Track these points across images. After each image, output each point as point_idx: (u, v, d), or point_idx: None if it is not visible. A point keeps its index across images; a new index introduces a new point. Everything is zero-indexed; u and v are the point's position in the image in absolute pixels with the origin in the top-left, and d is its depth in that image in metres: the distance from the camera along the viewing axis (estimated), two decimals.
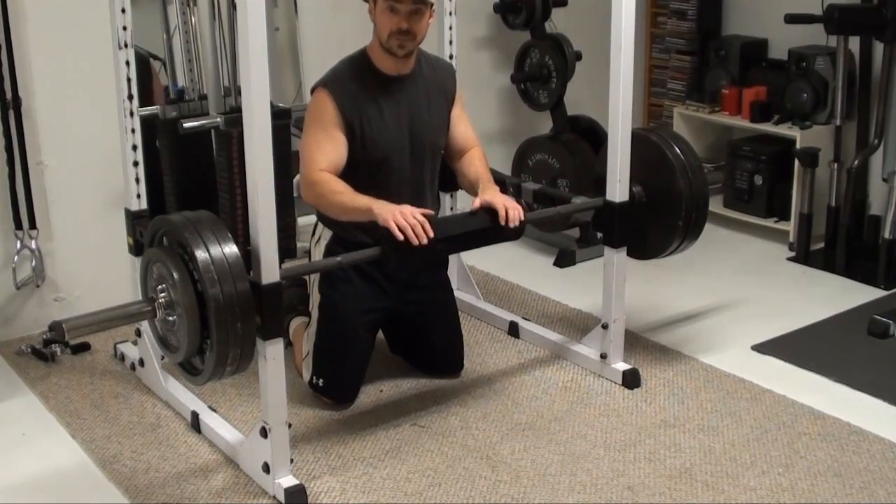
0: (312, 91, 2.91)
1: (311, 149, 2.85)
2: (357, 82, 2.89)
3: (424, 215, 2.67)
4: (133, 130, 2.96)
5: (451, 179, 3.20)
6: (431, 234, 2.64)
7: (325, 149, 2.83)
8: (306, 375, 3.08)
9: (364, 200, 2.73)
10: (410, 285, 3.08)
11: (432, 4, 2.87)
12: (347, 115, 2.85)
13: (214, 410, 2.96)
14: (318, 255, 3.06)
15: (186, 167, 3.30)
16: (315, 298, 3.06)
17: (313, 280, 3.08)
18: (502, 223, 2.79)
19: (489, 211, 2.83)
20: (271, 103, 2.45)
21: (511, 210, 2.80)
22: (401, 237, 2.61)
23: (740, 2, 4.82)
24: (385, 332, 3.27)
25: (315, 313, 3.06)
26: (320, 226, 3.06)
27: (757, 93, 4.51)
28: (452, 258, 3.63)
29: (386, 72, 2.91)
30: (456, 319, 3.27)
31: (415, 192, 2.97)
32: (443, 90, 3.04)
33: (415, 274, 3.05)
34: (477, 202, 2.84)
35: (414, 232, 2.61)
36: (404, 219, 2.62)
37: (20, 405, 3.12)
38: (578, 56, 4.22)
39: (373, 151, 2.89)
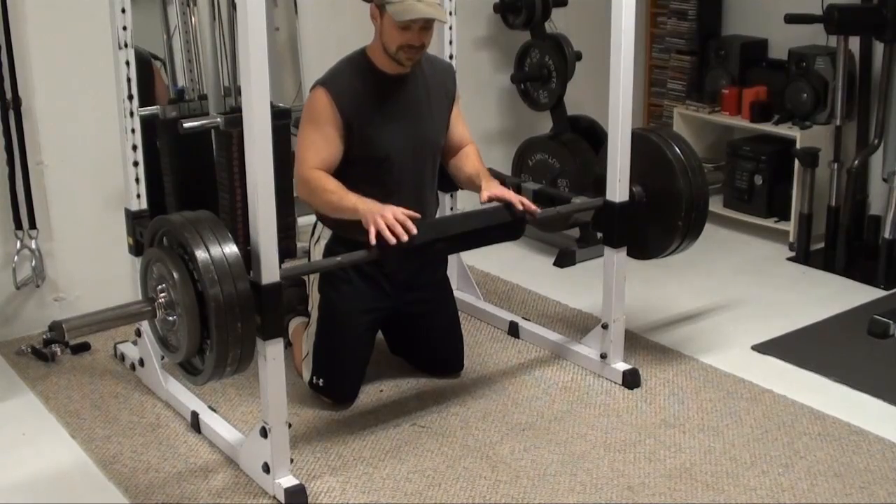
0: (311, 89, 2.91)
1: (304, 147, 2.87)
2: (357, 82, 2.89)
3: (407, 215, 2.67)
4: (133, 130, 2.96)
5: (450, 180, 3.19)
6: (414, 232, 2.65)
7: (319, 147, 2.85)
8: (306, 375, 3.08)
9: (351, 200, 2.75)
10: (410, 285, 3.08)
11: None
12: (346, 114, 2.84)
13: (214, 410, 2.96)
14: (317, 254, 3.05)
15: (186, 167, 3.30)
16: (315, 298, 3.06)
17: (313, 280, 3.07)
18: (519, 209, 2.85)
19: (492, 212, 2.84)
20: (271, 103, 2.45)
21: (524, 201, 2.87)
22: (373, 241, 2.64)
23: (740, 2, 4.82)
24: (385, 332, 3.27)
25: (315, 313, 3.06)
26: (319, 225, 3.06)
27: (757, 93, 4.51)
28: (452, 258, 3.63)
29: (386, 71, 2.91)
30: (456, 319, 3.27)
31: (415, 190, 2.97)
32: (444, 89, 3.04)
33: (414, 273, 3.05)
34: (486, 194, 2.88)
35: (393, 232, 2.63)
36: (384, 220, 2.64)
37: (20, 405, 3.12)
38: (578, 56, 4.23)
39: (373, 150, 2.89)
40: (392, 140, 2.91)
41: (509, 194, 2.88)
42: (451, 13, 3.57)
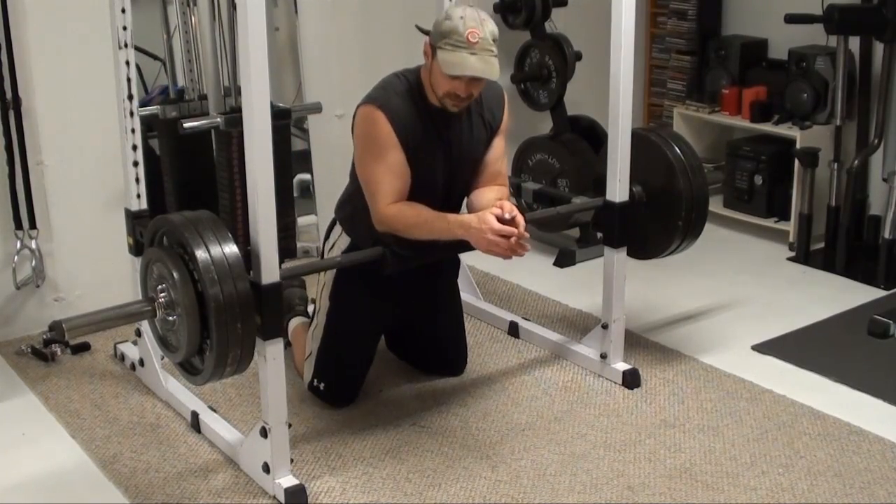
0: (360, 106, 2.76)
1: (374, 181, 2.73)
2: (410, 108, 2.75)
3: (498, 232, 2.62)
4: (133, 130, 2.96)
5: None
6: (526, 247, 2.65)
7: (390, 179, 2.72)
8: (307, 376, 3.07)
9: (444, 228, 2.68)
10: (421, 291, 3.05)
11: None
12: (400, 137, 2.72)
13: (214, 410, 2.96)
14: None
15: (186, 167, 3.30)
16: (324, 305, 3.02)
17: (322, 285, 3.03)
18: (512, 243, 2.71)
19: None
20: (271, 103, 2.45)
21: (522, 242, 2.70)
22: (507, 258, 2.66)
23: (740, 2, 4.82)
24: (386, 331, 3.26)
25: (322, 318, 3.02)
26: (335, 232, 3.00)
27: (757, 93, 4.51)
28: None
29: (436, 104, 2.77)
30: (461, 319, 3.27)
31: (441, 210, 2.84)
32: (488, 121, 2.90)
33: (425, 279, 3.02)
34: (506, 205, 2.70)
35: (513, 249, 2.63)
36: (498, 244, 2.62)
37: (20, 405, 3.12)
38: (578, 56, 4.22)
39: (413, 177, 2.78)
40: (433, 169, 2.82)
41: (519, 219, 2.68)
42: None
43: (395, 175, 2.73)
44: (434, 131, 2.79)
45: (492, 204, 2.74)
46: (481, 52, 2.60)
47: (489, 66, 2.62)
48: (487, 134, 2.90)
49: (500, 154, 2.94)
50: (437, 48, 2.64)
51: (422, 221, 2.70)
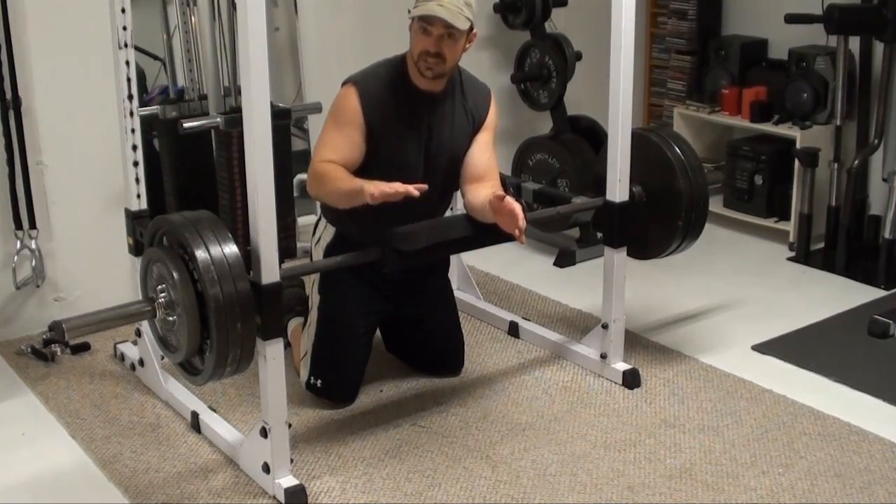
0: (344, 84, 2.87)
1: (323, 143, 2.84)
2: (388, 89, 2.84)
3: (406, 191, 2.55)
4: (133, 130, 2.96)
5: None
6: (415, 193, 2.54)
7: (337, 146, 2.80)
8: (304, 375, 3.07)
9: (358, 181, 2.67)
10: (411, 288, 3.07)
11: (471, 30, 2.77)
12: (369, 117, 2.80)
13: (214, 410, 2.96)
14: (318, 255, 3.05)
15: (186, 167, 3.30)
16: (314, 299, 3.06)
17: (313, 280, 3.07)
18: (514, 232, 2.66)
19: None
20: (271, 103, 2.45)
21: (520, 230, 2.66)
22: (377, 201, 2.54)
23: (740, 2, 4.82)
24: (383, 331, 3.27)
25: (314, 314, 3.06)
26: (321, 226, 3.05)
27: (757, 93, 4.51)
28: (452, 258, 3.63)
29: (418, 85, 2.85)
30: (456, 320, 3.27)
31: (425, 203, 2.88)
32: (471, 113, 2.94)
33: (415, 276, 3.04)
34: (501, 196, 2.66)
35: (397, 192, 2.53)
36: (389, 187, 2.54)
37: (20, 405, 3.12)
38: (578, 56, 4.23)
39: (385, 160, 2.85)
40: (404, 155, 2.86)
41: (518, 210, 2.63)
42: None
43: (343, 145, 2.81)
44: (412, 112, 2.85)
45: (488, 200, 2.74)
46: (449, 4, 2.70)
47: (453, 15, 2.71)
48: (471, 126, 2.95)
49: (486, 148, 2.97)
50: (412, 12, 2.75)
51: (343, 175, 2.74)
